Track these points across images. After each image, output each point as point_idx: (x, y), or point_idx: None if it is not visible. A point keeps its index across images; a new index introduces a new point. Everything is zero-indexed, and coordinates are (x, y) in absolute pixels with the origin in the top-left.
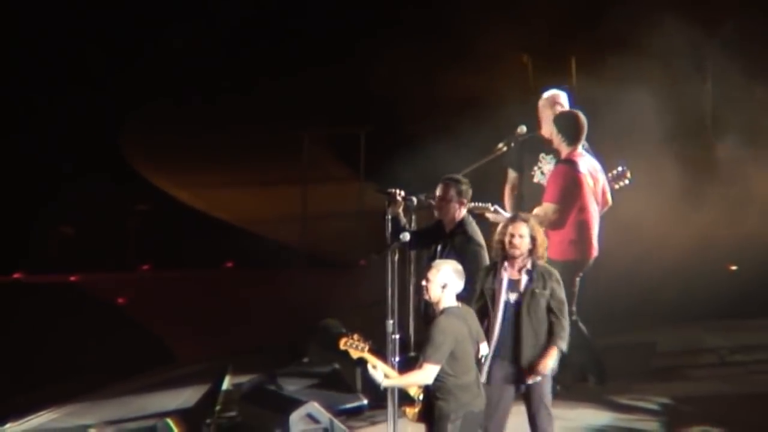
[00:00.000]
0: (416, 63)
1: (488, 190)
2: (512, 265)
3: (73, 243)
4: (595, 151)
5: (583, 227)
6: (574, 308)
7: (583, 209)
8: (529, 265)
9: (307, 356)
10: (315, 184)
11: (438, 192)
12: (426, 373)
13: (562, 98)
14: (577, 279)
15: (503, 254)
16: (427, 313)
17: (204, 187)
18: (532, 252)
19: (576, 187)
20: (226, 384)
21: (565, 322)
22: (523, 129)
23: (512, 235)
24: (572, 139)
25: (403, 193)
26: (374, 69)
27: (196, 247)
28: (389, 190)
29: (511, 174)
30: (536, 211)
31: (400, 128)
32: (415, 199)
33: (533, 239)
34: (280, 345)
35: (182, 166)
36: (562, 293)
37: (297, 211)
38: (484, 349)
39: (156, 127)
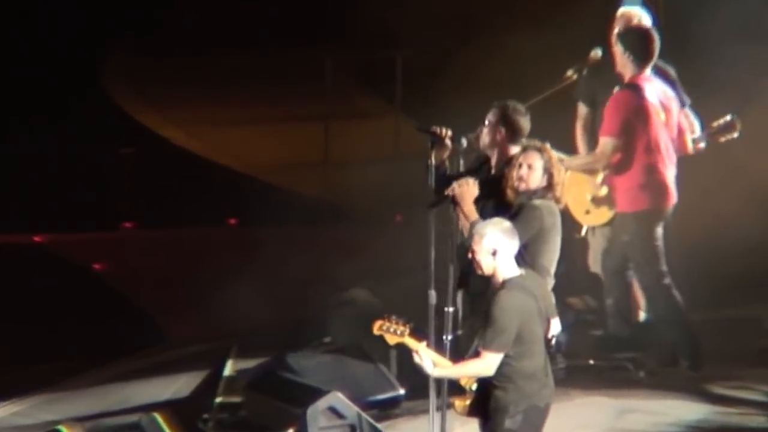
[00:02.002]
0: None
1: (551, 128)
2: None
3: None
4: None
5: (654, 169)
6: (664, 269)
7: (652, 147)
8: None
9: (329, 335)
10: (340, 120)
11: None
12: (486, 363)
13: (640, 17)
14: (658, 232)
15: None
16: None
17: (203, 125)
18: (547, 191)
19: (641, 118)
20: (228, 370)
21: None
22: (597, 53)
23: (520, 166)
24: (640, 59)
25: (450, 132)
26: None
27: (193, 200)
28: (433, 128)
29: (582, 109)
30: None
31: (446, 52)
32: (465, 141)
33: (549, 175)
34: (295, 321)
35: (177, 99)
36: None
37: (318, 154)
38: (556, 328)
39: (144, 53)
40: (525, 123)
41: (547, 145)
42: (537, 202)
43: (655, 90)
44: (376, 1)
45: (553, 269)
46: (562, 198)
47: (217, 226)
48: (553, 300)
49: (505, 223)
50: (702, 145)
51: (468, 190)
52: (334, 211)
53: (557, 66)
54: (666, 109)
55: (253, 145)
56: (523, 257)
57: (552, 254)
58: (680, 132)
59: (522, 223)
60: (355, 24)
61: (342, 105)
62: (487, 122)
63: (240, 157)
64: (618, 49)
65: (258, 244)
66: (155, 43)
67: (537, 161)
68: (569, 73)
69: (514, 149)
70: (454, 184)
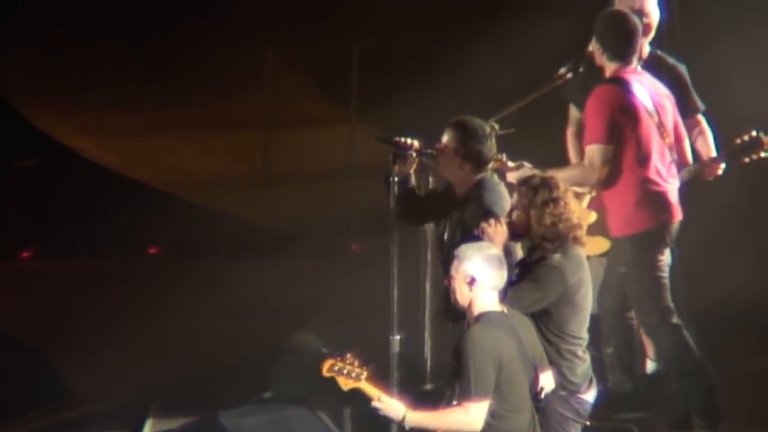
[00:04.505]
0: None
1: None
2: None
3: None
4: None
5: (650, 180)
6: (671, 305)
7: (645, 154)
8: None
9: (271, 388)
10: (283, 127)
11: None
12: (470, 415)
13: (648, 3)
14: (663, 260)
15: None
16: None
17: (117, 133)
18: (531, 232)
19: (630, 118)
20: (147, 431)
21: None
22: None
23: (513, 209)
24: (614, 52)
25: (417, 144)
26: None
27: (105, 224)
28: (396, 139)
29: (574, 113)
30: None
31: (411, 44)
32: (433, 153)
33: (525, 212)
34: (229, 371)
35: (85, 102)
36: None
37: (256, 169)
38: (548, 383)
39: (45, 48)
40: (487, 149)
41: (512, 164)
42: (557, 258)
43: (645, 85)
44: None
45: (584, 334)
46: (547, 236)
47: (134, 256)
48: (541, 347)
49: (492, 250)
50: (721, 167)
51: (501, 232)
52: (276, 238)
53: (549, 64)
54: (659, 107)
55: (178, 158)
56: (547, 327)
57: (581, 316)
58: (678, 139)
59: (535, 290)
60: (302, 8)
61: (285, 108)
62: (443, 146)
63: (163, 173)
64: (593, 41)
65: (183, 278)
66: (58, 30)
67: (519, 198)
68: (562, 70)
69: (480, 175)
70: (484, 224)
